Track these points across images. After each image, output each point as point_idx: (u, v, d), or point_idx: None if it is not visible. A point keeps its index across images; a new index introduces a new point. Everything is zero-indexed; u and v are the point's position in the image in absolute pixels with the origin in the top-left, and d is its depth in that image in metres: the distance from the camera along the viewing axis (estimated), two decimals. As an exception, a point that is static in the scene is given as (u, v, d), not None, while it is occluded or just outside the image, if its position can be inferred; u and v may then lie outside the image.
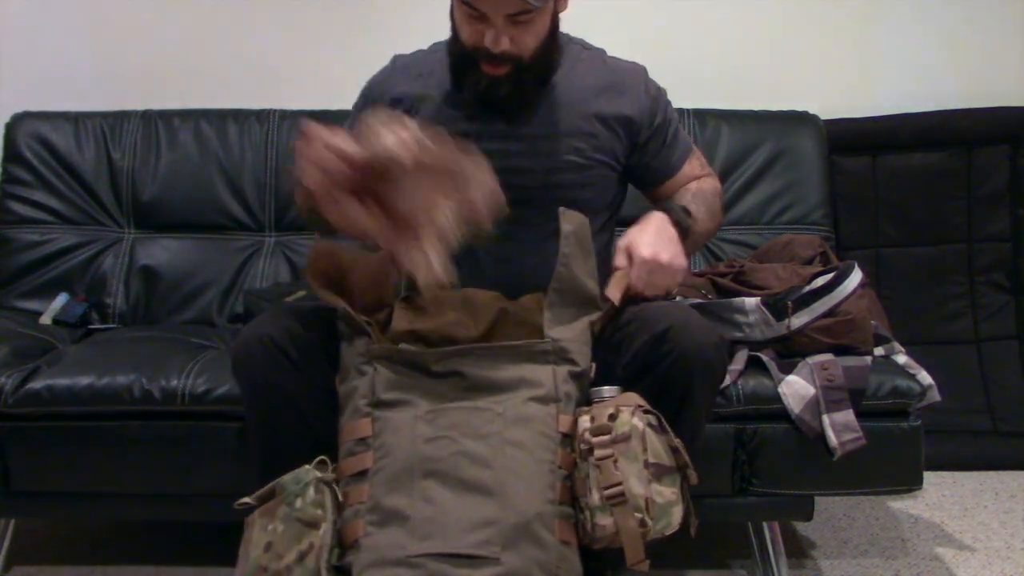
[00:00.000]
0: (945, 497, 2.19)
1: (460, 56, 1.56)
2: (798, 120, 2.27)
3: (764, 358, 1.73)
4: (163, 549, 1.97)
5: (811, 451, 1.67)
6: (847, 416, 1.66)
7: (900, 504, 2.15)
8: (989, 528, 2.03)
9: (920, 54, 2.45)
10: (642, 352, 1.41)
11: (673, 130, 1.69)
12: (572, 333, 1.44)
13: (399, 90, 1.66)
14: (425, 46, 1.76)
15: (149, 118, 2.28)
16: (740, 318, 1.77)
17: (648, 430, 1.33)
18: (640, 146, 1.66)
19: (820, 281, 1.79)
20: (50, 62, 2.45)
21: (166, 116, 2.29)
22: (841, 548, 1.94)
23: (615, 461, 1.31)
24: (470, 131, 1.55)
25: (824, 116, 2.29)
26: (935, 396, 1.74)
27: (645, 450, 1.32)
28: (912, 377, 1.73)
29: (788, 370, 1.71)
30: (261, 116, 2.29)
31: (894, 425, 1.70)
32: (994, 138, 2.40)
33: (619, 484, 1.30)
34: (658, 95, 1.68)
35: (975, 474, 2.30)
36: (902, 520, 2.08)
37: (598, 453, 1.31)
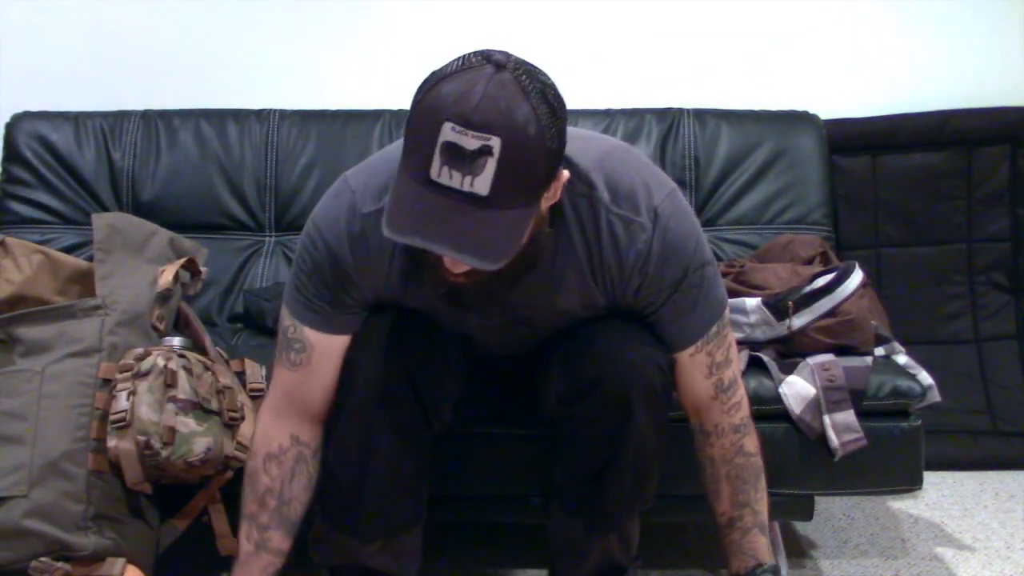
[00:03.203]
0: (945, 497, 2.19)
1: (415, 253, 1.24)
2: (798, 120, 2.27)
3: (765, 358, 1.73)
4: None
5: (811, 451, 1.68)
6: (848, 416, 1.66)
7: (900, 504, 2.15)
8: (989, 528, 2.03)
9: (920, 54, 2.45)
10: (579, 375, 1.38)
11: (665, 315, 1.37)
12: (127, 282, 1.62)
13: (367, 280, 1.37)
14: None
15: (149, 118, 2.28)
16: (741, 318, 1.77)
17: (181, 371, 1.54)
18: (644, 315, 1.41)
19: (821, 281, 1.79)
20: (50, 62, 2.44)
21: (166, 116, 2.29)
22: (841, 548, 1.94)
23: (132, 392, 1.51)
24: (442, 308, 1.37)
25: (824, 116, 2.29)
26: (935, 396, 1.74)
27: (171, 386, 1.53)
28: (912, 377, 1.73)
29: (789, 370, 1.71)
30: (261, 116, 2.29)
31: (894, 425, 1.71)
32: (994, 138, 2.40)
33: (123, 411, 1.50)
34: (657, 286, 1.34)
35: (975, 474, 2.30)
36: (902, 520, 2.08)
37: (119, 387, 1.53)
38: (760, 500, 1.47)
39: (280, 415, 1.43)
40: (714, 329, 1.40)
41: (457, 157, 1.09)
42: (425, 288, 1.31)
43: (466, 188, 1.09)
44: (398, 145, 1.37)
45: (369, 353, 1.37)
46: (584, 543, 1.49)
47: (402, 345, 1.37)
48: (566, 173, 1.22)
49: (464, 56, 1.15)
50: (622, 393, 1.35)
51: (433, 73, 1.15)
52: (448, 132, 1.08)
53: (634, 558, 1.56)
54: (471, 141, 1.08)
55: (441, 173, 1.09)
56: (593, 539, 1.48)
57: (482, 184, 1.09)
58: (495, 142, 1.08)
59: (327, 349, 1.39)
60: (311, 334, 1.39)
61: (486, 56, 1.14)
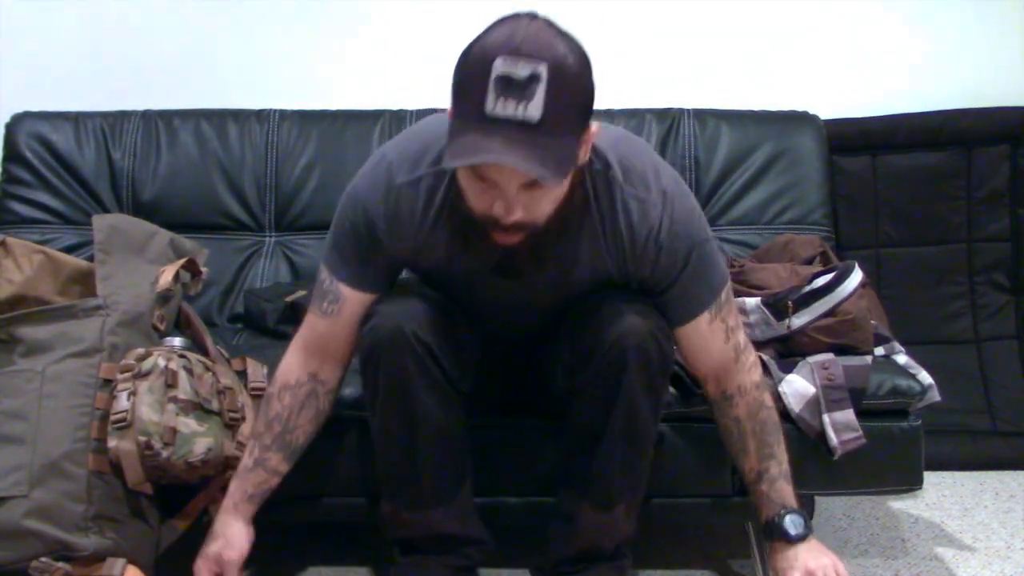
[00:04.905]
0: (945, 497, 2.19)
1: (467, 222, 1.35)
2: (798, 120, 2.27)
3: (764, 357, 1.73)
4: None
5: (811, 451, 1.68)
6: (847, 415, 1.66)
7: (900, 504, 2.15)
8: (989, 528, 2.03)
9: (920, 54, 2.45)
10: (582, 342, 1.47)
11: (683, 285, 1.47)
12: (128, 282, 1.65)
13: (397, 245, 1.48)
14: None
15: (149, 118, 2.28)
16: (741, 318, 1.77)
17: (182, 371, 1.55)
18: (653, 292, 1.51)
19: (820, 281, 1.79)
20: (50, 62, 2.44)
21: (166, 116, 2.29)
22: (841, 548, 1.94)
23: (133, 393, 1.52)
24: (477, 281, 1.50)
25: (824, 116, 2.29)
26: (935, 396, 1.74)
27: (172, 386, 1.54)
28: (912, 377, 1.73)
29: (788, 369, 1.71)
30: (261, 116, 2.29)
31: (894, 425, 1.71)
32: (994, 138, 2.40)
33: (124, 411, 1.50)
34: (672, 258, 1.45)
35: (975, 474, 2.30)
36: (902, 520, 2.08)
37: (120, 387, 1.53)
38: (782, 450, 1.57)
39: (305, 353, 1.55)
40: (723, 296, 1.51)
41: (509, 87, 1.20)
42: (462, 259, 1.44)
43: (520, 115, 1.20)
44: (435, 118, 1.47)
45: (392, 333, 1.45)
46: (575, 510, 1.54)
47: (421, 324, 1.46)
48: (595, 127, 1.31)
49: (499, 18, 1.27)
50: (616, 351, 1.43)
51: (474, 39, 1.26)
52: (499, 66, 1.20)
53: (622, 554, 1.58)
54: (521, 69, 1.20)
55: (496, 105, 1.20)
56: (584, 509, 1.53)
57: (535, 109, 1.20)
58: (543, 68, 1.20)
59: (357, 303, 1.51)
60: (344, 289, 1.51)
61: (519, 13, 1.26)
